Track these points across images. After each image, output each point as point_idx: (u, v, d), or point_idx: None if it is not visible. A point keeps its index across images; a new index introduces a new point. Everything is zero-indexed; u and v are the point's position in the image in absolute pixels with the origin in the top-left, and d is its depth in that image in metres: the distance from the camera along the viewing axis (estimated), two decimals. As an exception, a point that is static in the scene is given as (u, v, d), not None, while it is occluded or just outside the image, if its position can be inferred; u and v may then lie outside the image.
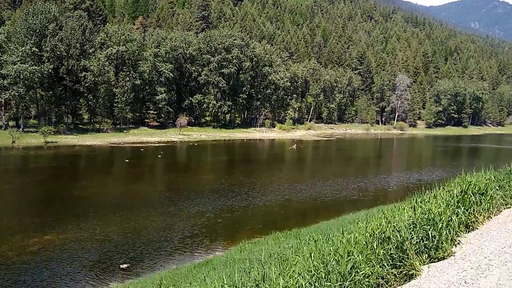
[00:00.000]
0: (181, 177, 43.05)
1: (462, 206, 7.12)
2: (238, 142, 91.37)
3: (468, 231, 7.08)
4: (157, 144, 75.52)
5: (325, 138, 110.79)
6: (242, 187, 37.30)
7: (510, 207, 8.33)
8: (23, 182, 37.74)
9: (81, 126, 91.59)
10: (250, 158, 64.75)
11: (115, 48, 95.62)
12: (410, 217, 6.55)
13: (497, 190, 8.34)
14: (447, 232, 6.48)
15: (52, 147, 66.61)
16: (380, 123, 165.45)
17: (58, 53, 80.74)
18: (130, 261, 19.16)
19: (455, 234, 6.62)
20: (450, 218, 6.61)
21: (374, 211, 19.62)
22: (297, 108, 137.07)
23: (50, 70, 78.80)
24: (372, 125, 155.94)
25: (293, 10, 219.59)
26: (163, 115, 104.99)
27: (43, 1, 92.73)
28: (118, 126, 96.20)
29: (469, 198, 7.29)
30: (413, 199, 8.01)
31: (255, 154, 72.38)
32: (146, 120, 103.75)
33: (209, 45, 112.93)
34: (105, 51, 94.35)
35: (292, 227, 22.76)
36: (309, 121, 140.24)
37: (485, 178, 8.28)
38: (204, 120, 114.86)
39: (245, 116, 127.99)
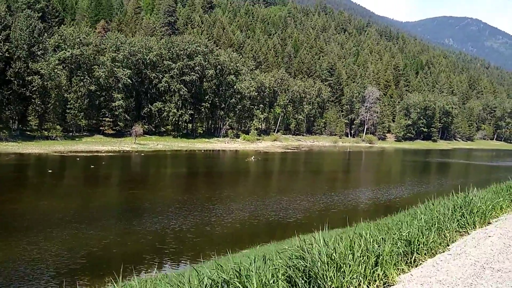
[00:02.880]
0: (102, 192, 38.42)
1: None
2: (195, 152, 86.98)
3: None
4: (103, 154, 70.52)
5: (290, 150, 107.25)
6: (167, 206, 32.97)
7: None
8: None
9: (28, 132, 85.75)
10: (196, 171, 60.33)
11: (68, 51, 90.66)
12: None
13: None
14: None
15: (-13, 155, 61.12)
16: (349, 135, 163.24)
17: (0, 54, 75.19)
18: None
19: None
20: None
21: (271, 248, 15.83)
22: (264, 119, 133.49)
23: (-11, 72, 73.21)
24: (341, 138, 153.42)
25: (265, 20, 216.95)
26: (120, 123, 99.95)
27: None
28: (71, 134, 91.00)
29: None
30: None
31: (204, 166, 67.72)
32: (101, 128, 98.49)
33: (170, 51, 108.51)
34: (57, 54, 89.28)
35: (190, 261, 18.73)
36: (277, 132, 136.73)
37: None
38: (165, 129, 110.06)
39: (209, 125, 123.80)
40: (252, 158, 76.64)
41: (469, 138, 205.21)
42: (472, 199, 9.49)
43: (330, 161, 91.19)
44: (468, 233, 8.55)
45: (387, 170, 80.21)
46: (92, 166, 52.61)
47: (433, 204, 10.06)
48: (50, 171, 47.42)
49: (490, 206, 9.66)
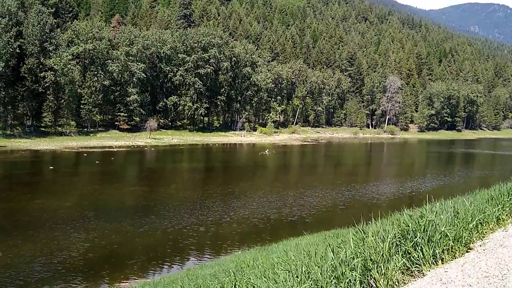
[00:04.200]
0: (100, 190, 36.64)
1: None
2: (210, 146, 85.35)
3: None
4: (115, 149, 69.44)
5: (309, 143, 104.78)
6: (165, 204, 31.24)
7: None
8: None
9: (43, 129, 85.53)
10: (207, 166, 58.37)
11: (82, 46, 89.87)
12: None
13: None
14: None
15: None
16: (370, 126, 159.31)
17: (12, 50, 74.65)
18: None
19: None
20: None
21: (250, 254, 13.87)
22: (281, 111, 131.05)
23: (1, 68, 72.65)
24: (362, 129, 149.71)
25: (283, 10, 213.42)
26: (135, 118, 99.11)
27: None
28: (86, 130, 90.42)
29: None
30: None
31: (216, 161, 65.70)
32: (117, 123, 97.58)
33: (184, 44, 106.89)
34: (70, 49, 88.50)
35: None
36: (295, 125, 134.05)
37: None
38: (180, 123, 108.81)
39: (225, 119, 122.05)
40: (267, 151, 74.63)
41: (495, 127, 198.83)
42: (433, 220, 5.64)
43: (349, 154, 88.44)
44: (424, 274, 5.06)
45: (409, 162, 76.99)
46: (97, 162, 51.34)
47: (364, 232, 5.93)
48: (51, 167, 46.24)
49: (472, 224, 5.89)
